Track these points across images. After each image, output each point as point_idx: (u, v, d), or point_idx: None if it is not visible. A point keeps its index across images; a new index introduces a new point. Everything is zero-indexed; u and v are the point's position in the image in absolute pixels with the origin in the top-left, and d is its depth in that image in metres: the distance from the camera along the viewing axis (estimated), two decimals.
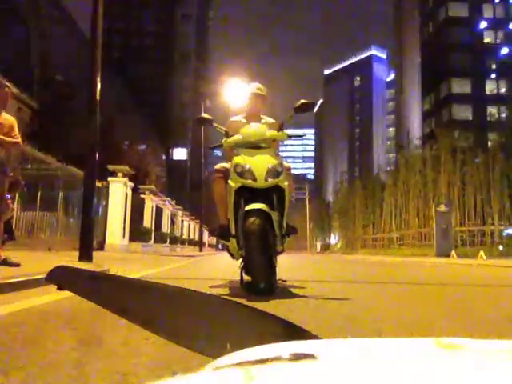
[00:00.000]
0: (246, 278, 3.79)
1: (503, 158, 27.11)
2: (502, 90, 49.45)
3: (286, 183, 3.44)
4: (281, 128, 3.68)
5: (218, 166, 3.93)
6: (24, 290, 3.22)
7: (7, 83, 4.67)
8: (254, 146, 3.52)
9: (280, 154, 3.86)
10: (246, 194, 3.34)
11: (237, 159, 3.46)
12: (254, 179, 3.33)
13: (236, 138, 3.61)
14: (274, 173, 3.37)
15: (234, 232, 3.49)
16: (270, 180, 3.33)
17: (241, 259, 3.76)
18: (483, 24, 51.51)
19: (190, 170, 71.73)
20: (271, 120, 3.96)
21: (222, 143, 3.70)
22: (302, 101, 3.63)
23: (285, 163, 3.66)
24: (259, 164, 3.38)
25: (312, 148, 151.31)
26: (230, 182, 3.45)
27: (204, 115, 3.85)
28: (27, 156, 10.00)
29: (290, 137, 3.72)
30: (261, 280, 3.13)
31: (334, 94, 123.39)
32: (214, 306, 0.43)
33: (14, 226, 8.18)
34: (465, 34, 49.20)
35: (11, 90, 4.74)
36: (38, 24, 26.99)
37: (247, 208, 3.25)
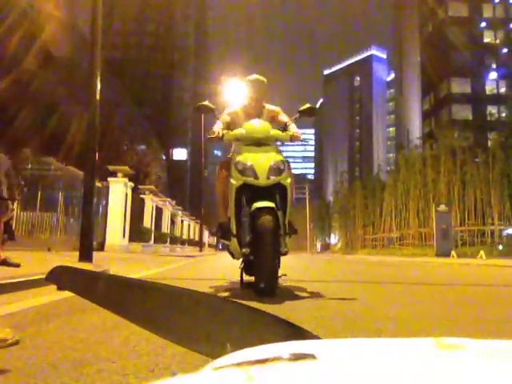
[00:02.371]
0: (246, 278, 3.78)
1: (503, 158, 27.11)
2: (502, 90, 49.44)
3: (289, 181, 3.35)
4: (285, 128, 3.62)
5: (222, 161, 3.84)
6: (24, 290, 3.22)
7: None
8: (257, 142, 3.42)
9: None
10: (248, 192, 3.24)
11: (238, 156, 3.37)
12: (256, 177, 3.23)
13: (238, 132, 3.49)
14: (277, 170, 3.27)
15: (235, 231, 3.39)
16: (272, 178, 3.24)
17: (241, 259, 3.72)
18: (483, 24, 51.50)
19: (190, 169, 71.72)
20: (273, 107, 3.84)
21: (223, 134, 3.54)
22: (308, 105, 3.60)
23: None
24: (261, 161, 3.28)
25: (312, 148, 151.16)
26: (231, 179, 3.36)
27: (205, 103, 3.67)
28: (27, 156, 10.00)
29: (292, 140, 3.61)
30: (268, 279, 3.02)
31: (334, 94, 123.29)
32: (214, 306, 0.43)
33: (13, 227, 8.17)
34: (465, 33, 49.17)
35: None
36: (38, 24, 27.03)
37: (257, 205, 3.13)
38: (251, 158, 3.30)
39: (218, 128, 3.63)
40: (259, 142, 3.41)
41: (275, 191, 3.25)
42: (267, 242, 3.02)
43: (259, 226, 3.05)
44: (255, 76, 3.82)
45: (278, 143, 3.72)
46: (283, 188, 3.30)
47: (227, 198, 3.50)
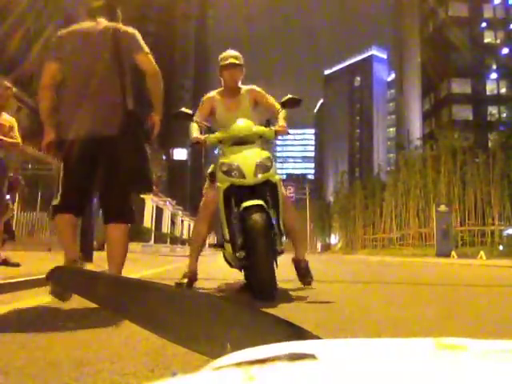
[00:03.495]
0: (246, 280, 3.77)
1: (503, 159, 27.12)
2: (502, 90, 49.45)
3: (278, 177, 3.22)
4: (267, 124, 3.48)
5: (210, 170, 3.66)
6: (24, 289, 3.22)
7: (9, 85, 4.66)
8: (240, 141, 3.27)
9: (279, 154, 3.70)
10: (236, 193, 3.09)
11: (222, 158, 3.25)
12: (243, 176, 3.07)
13: (220, 134, 3.36)
14: (264, 167, 3.12)
15: (227, 237, 3.18)
16: (259, 175, 3.09)
17: (242, 271, 3.62)
18: (483, 24, 51.51)
19: (190, 170, 71.72)
20: (253, 87, 3.67)
21: (205, 139, 3.40)
22: (289, 96, 3.42)
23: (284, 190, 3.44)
24: (247, 160, 3.13)
25: (312, 148, 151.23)
26: (217, 183, 3.22)
27: (183, 109, 3.54)
28: (27, 156, 10.00)
29: (277, 135, 3.47)
30: (266, 279, 2.87)
31: (334, 93, 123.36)
32: (214, 306, 0.43)
33: (13, 226, 8.18)
34: (465, 34, 49.18)
35: (13, 92, 4.73)
36: (38, 24, 27.07)
37: (246, 204, 2.97)
38: (236, 158, 3.16)
39: (195, 132, 3.48)
40: (242, 141, 3.27)
41: (264, 189, 3.11)
42: (259, 241, 2.87)
43: (249, 226, 2.89)
44: (228, 55, 3.61)
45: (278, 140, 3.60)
46: (273, 185, 3.16)
47: (209, 218, 3.51)
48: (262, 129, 3.39)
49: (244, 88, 3.66)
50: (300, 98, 3.45)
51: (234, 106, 3.60)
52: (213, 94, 3.74)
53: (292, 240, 3.64)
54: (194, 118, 3.51)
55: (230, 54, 3.63)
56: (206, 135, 3.44)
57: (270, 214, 3.02)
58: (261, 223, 2.88)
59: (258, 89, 3.69)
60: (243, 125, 3.33)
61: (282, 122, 3.47)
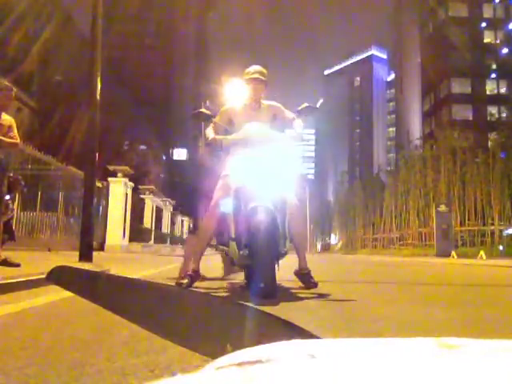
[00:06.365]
0: (246, 279, 3.77)
1: (503, 158, 27.10)
2: (502, 90, 49.42)
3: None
4: (283, 131, 3.62)
5: (224, 172, 3.64)
6: (24, 290, 3.22)
7: (12, 86, 4.66)
8: (255, 145, 3.39)
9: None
10: (247, 194, 3.20)
11: (236, 159, 3.36)
12: (255, 178, 3.20)
13: (236, 136, 3.48)
14: (276, 171, 3.25)
15: (233, 235, 3.27)
16: (271, 179, 3.21)
17: (244, 273, 3.67)
18: (483, 24, 51.48)
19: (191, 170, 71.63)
20: (273, 103, 3.80)
21: (221, 141, 3.51)
22: (306, 104, 3.55)
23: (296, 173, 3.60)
24: (260, 163, 3.26)
25: (312, 148, 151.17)
26: (229, 182, 3.35)
27: (202, 110, 3.66)
28: (27, 156, 10.00)
29: (292, 141, 3.62)
30: (267, 279, 2.89)
31: (334, 94, 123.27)
32: (214, 306, 0.43)
33: (14, 227, 8.18)
34: (465, 34, 49.15)
35: (14, 93, 4.73)
36: (38, 24, 27.07)
37: (253, 204, 3.08)
38: (249, 160, 3.28)
39: (211, 133, 3.55)
40: (258, 145, 3.38)
41: (274, 192, 3.21)
42: (263, 240, 2.93)
43: (254, 225, 2.98)
44: (255, 71, 3.72)
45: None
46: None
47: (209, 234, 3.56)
48: (276, 134, 3.51)
49: (265, 103, 3.77)
50: (316, 106, 3.62)
51: (254, 118, 3.66)
52: (232, 105, 3.85)
53: (295, 247, 3.68)
54: (214, 120, 3.61)
55: (256, 70, 3.73)
56: (223, 136, 3.53)
57: (277, 216, 3.10)
58: (265, 223, 2.96)
59: (278, 104, 3.82)
60: (259, 129, 3.44)
61: (298, 130, 3.62)
